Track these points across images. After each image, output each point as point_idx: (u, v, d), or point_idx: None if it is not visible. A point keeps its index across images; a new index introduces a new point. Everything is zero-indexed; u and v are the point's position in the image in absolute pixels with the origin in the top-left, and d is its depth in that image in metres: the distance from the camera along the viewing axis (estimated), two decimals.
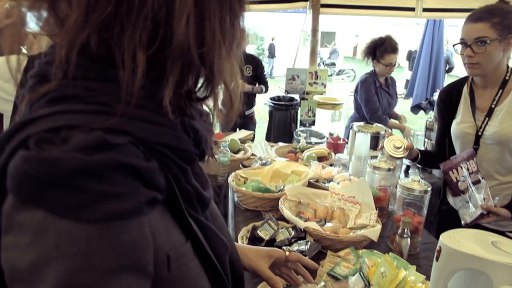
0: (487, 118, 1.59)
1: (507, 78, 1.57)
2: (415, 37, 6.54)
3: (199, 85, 0.50)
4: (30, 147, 0.38)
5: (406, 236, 1.25)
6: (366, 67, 3.22)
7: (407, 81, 7.63)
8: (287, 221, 1.42)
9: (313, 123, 4.11)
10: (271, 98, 4.18)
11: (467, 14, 1.57)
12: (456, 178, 1.54)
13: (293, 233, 1.30)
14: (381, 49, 2.85)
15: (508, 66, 1.58)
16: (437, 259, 0.90)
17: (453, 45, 1.61)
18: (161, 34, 0.42)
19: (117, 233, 0.39)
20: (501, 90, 1.57)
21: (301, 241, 1.26)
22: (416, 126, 6.25)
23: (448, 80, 6.90)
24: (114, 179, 0.39)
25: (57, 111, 0.40)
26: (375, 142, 2.17)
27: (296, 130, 3.56)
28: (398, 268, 1.15)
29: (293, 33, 13.15)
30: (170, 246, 0.47)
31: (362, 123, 2.30)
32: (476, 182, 1.55)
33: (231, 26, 0.48)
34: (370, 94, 2.96)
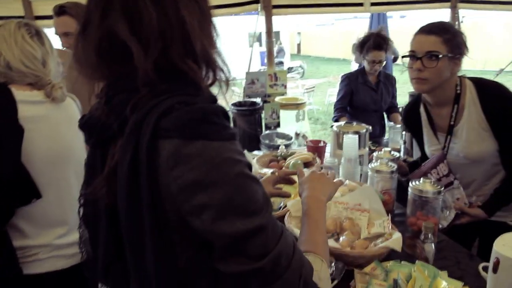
0: (449, 137, 1.57)
1: (458, 92, 1.52)
2: (360, 30, 6.74)
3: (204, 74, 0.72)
4: (178, 109, 0.61)
5: (430, 241, 1.20)
6: (312, 63, 3.22)
7: None
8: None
9: (278, 125, 4.05)
10: (233, 105, 4.07)
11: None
12: None
13: None
14: (367, 45, 2.81)
15: (457, 81, 1.53)
16: (495, 271, 0.84)
17: (402, 57, 1.56)
18: (189, 49, 0.67)
19: (236, 145, 0.64)
20: (456, 106, 1.53)
21: None
22: None
23: (395, 69, 7.17)
24: (223, 117, 0.65)
25: (169, 96, 0.64)
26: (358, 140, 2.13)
27: (263, 134, 3.48)
28: (429, 277, 1.09)
29: (238, 36, 13.11)
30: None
31: (342, 123, 2.25)
32: (448, 185, 1.53)
33: (212, 29, 0.73)
34: (342, 91, 3.02)
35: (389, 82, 3.10)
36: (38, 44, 1.33)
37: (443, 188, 1.31)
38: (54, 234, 1.36)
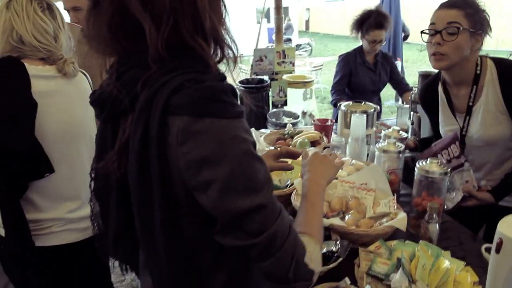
0: (467, 117, 1.53)
1: (478, 72, 1.47)
2: (371, 6, 6.60)
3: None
4: (188, 86, 0.63)
5: (434, 221, 1.21)
6: (320, 41, 3.14)
7: None
8: None
9: (285, 103, 4.04)
10: (240, 82, 4.04)
11: None
12: None
13: None
14: (366, 23, 2.72)
15: (478, 60, 1.49)
16: (497, 251, 0.85)
17: (421, 32, 1.50)
18: (199, 26, 0.67)
19: (243, 123, 0.66)
20: (475, 87, 1.49)
21: (329, 242, 1.18)
22: (385, 96, 6.36)
23: (405, 48, 7.02)
24: (231, 95, 0.66)
25: (179, 73, 0.65)
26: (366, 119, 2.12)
27: (270, 112, 3.48)
28: (433, 256, 1.11)
29: (245, 12, 12.90)
30: None
31: (350, 103, 2.24)
32: (458, 166, 1.51)
33: (221, 6, 0.72)
34: (340, 73, 2.92)
35: (386, 62, 3.01)
36: (50, 18, 1.33)
37: (449, 169, 1.31)
38: (66, 208, 1.39)
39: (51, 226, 1.36)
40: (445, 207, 1.47)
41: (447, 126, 1.63)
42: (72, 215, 1.40)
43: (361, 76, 2.90)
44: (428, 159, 1.34)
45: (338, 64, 2.99)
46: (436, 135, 1.74)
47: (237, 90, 0.71)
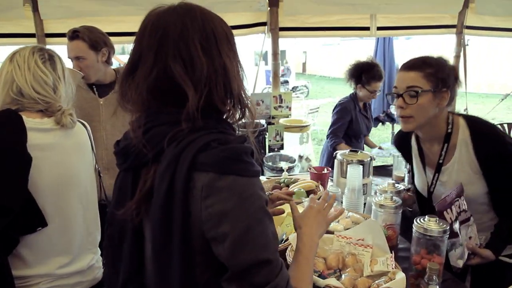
0: (436, 175, 1.52)
1: (449, 131, 1.46)
2: (365, 50, 6.78)
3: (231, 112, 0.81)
4: (214, 147, 0.72)
5: (435, 283, 1.17)
6: (317, 83, 3.23)
7: None
8: None
9: (281, 147, 4.04)
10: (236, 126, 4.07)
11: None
12: (450, 218, 1.40)
13: None
14: (368, 75, 2.81)
15: (449, 118, 1.47)
16: None
17: (386, 95, 1.53)
18: (228, 91, 0.78)
19: (259, 181, 0.75)
20: (446, 145, 1.47)
21: None
22: (375, 139, 6.41)
23: None
24: (250, 156, 0.74)
25: (205, 133, 0.73)
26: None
27: (266, 156, 3.47)
28: None
29: (243, 54, 13.20)
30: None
31: (346, 151, 2.24)
32: (465, 221, 1.45)
33: (240, 70, 0.82)
34: (342, 120, 2.97)
35: (368, 106, 3.17)
36: (50, 69, 1.34)
37: (448, 227, 1.28)
38: (57, 263, 1.34)
39: (39, 283, 1.30)
40: (456, 266, 1.41)
41: (417, 179, 1.62)
42: (62, 271, 1.35)
43: (360, 123, 3.00)
44: (426, 216, 1.31)
45: (339, 112, 3.03)
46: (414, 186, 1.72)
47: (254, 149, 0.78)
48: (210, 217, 0.70)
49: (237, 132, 0.84)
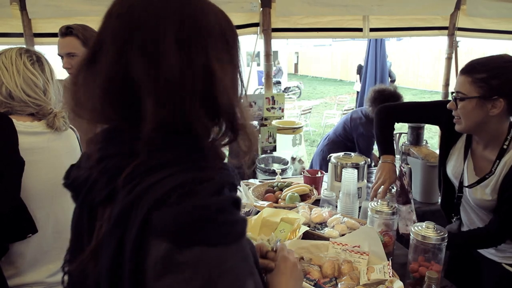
0: (477, 184, 1.46)
1: (504, 147, 1.39)
2: (357, 51, 6.81)
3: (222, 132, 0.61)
4: (174, 202, 0.49)
5: None
6: (309, 83, 3.22)
7: (358, 93, 7.92)
8: None
9: (274, 148, 4.01)
10: None
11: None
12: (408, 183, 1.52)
13: None
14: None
15: (510, 131, 1.39)
16: None
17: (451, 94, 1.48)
18: (211, 106, 0.57)
19: (242, 248, 0.53)
20: (498, 161, 1.40)
21: None
22: None
23: None
24: (231, 211, 0.53)
25: (168, 174, 0.52)
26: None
27: (259, 158, 3.44)
28: None
29: None
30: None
31: (340, 155, 2.21)
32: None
33: (240, 82, 0.63)
34: (371, 134, 2.94)
35: None
36: (39, 71, 1.30)
37: (446, 235, 1.26)
38: (47, 271, 1.30)
39: None
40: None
41: (454, 168, 1.57)
42: (53, 279, 1.31)
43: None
44: (424, 223, 1.28)
45: (366, 126, 3.02)
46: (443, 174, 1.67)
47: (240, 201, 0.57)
48: None
49: (225, 158, 0.63)
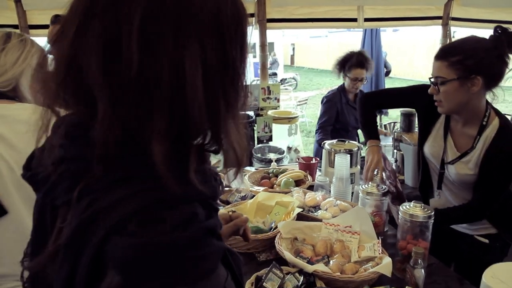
0: (459, 159, 1.54)
1: (484, 123, 1.48)
2: (353, 42, 6.83)
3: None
4: (134, 231, 0.42)
5: (420, 267, 1.19)
6: (305, 75, 3.24)
7: None
8: (288, 263, 1.31)
9: (270, 138, 4.06)
10: None
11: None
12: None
13: (301, 278, 1.20)
14: (349, 63, 2.85)
15: (487, 111, 1.48)
16: None
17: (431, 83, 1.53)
18: (177, 120, 0.45)
19: (214, 283, 0.45)
20: (478, 137, 1.49)
21: None
22: None
23: (388, 83, 7.20)
24: (204, 243, 0.45)
25: (128, 194, 0.44)
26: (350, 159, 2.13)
27: (255, 148, 3.48)
28: None
29: None
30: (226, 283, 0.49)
31: (334, 141, 2.26)
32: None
33: (235, 89, 0.51)
34: (328, 113, 3.01)
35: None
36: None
37: (433, 213, 1.31)
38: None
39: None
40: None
41: (433, 148, 1.64)
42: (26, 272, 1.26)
43: (347, 115, 3.00)
44: (412, 202, 1.34)
45: (325, 105, 3.07)
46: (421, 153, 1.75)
47: (218, 225, 0.50)
48: None
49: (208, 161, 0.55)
